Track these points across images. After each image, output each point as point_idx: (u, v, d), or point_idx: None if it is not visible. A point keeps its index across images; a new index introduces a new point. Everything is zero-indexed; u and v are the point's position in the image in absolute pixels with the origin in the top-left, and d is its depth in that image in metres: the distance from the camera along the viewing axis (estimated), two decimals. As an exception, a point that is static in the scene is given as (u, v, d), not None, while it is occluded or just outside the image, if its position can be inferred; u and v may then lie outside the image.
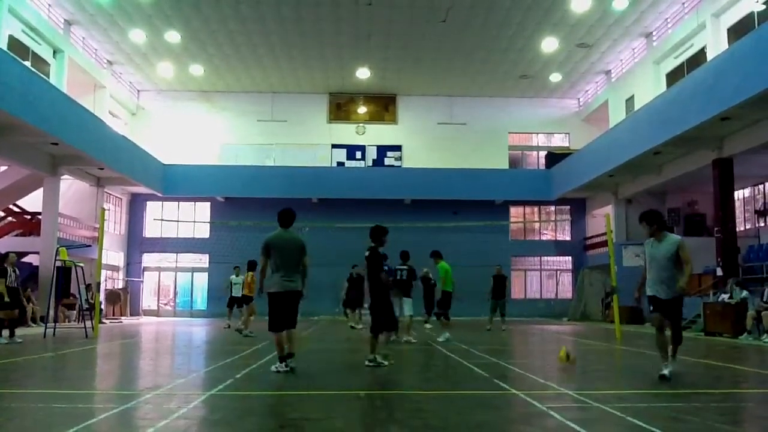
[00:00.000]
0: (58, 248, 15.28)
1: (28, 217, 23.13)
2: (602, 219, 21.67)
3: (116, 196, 28.06)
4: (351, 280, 17.79)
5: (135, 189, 27.75)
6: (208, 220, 28.65)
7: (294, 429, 4.62)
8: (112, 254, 27.16)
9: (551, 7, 22.36)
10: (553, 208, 30.54)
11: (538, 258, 30.27)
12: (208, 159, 29.98)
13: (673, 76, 23.34)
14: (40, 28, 21.88)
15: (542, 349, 12.53)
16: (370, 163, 31.02)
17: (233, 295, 17.44)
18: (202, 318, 26.79)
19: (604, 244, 20.77)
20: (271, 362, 8.74)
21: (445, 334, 12.71)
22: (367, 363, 8.18)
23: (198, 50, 26.34)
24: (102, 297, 21.98)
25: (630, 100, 26.13)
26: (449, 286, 13.10)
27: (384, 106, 31.53)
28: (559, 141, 31.91)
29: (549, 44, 25.21)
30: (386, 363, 8.19)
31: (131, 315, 27.22)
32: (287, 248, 7.60)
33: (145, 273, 29.54)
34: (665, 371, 6.87)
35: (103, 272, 22.45)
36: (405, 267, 12.58)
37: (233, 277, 17.71)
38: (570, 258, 30.00)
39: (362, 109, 31.45)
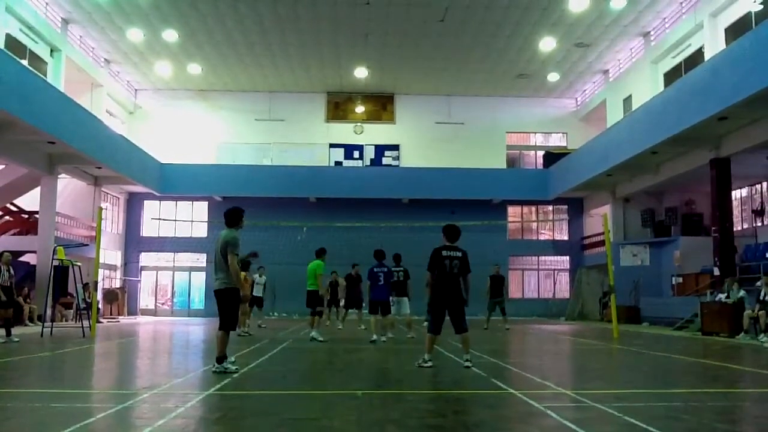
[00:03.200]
0: (55, 247, 15.24)
1: (26, 216, 23.07)
2: (600, 218, 21.72)
3: (113, 195, 28.02)
4: (349, 278, 17.53)
5: (132, 188, 27.71)
6: (206, 219, 28.63)
7: (291, 428, 4.62)
8: (110, 253, 27.12)
9: (549, 6, 22.37)
10: (550, 207, 30.56)
11: (536, 257, 30.28)
12: (205, 158, 29.94)
13: (670, 76, 23.37)
14: (38, 26, 21.82)
15: (539, 349, 12.54)
16: (368, 163, 31.01)
17: (254, 294, 17.66)
18: (200, 317, 26.78)
19: (602, 243, 20.80)
20: (268, 361, 8.74)
21: (313, 333, 12.83)
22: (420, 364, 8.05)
23: (195, 49, 26.31)
24: (99, 296, 21.94)
25: (627, 100, 26.16)
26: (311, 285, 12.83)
27: (382, 106, 31.52)
28: (556, 140, 31.94)
29: (547, 44, 25.22)
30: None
31: (129, 314, 27.17)
32: (215, 247, 7.56)
33: (142, 272, 29.50)
34: None
35: (101, 271, 22.39)
36: (401, 269, 13.19)
37: (257, 276, 17.84)
38: (567, 257, 30.02)
39: (360, 109, 31.43)
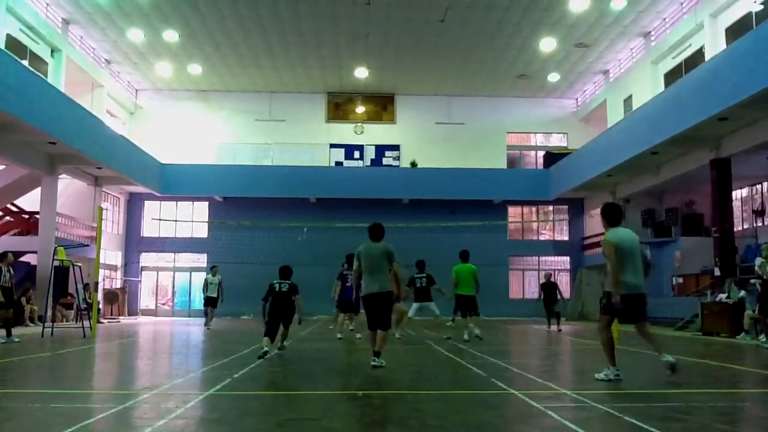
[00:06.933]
0: (56, 248, 15.25)
1: (26, 216, 23.09)
2: (600, 219, 21.71)
3: (114, 196, 28.03)
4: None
5: (133, 188, 27.72)
6: (206, 219, 28.63)
7: (292, 428, 4.62)
8: (110, 254, 27.13)
9: (549, 6, 22.37)
10: (551, 207, 30.56)
11: (536, 258, 30.28)
12: (206, 158, 29.96)
13: (671, 76, 23.37)
14: (38, 27, 21.84)
15: (540, 349, 12.54)
16: (369, 163, 31.02)
17: (209, 295, 17.45)
18: (200, 318, 26.72)
19: (602, 243, 20.76)
20: (268, 362, 8.74)
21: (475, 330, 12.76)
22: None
23: (196, 50, 26.33)
24: (100, 297, 21.95)
25: (628, 100, 26.16)
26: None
27: (382, 106, 31.53)
28: (557, 141, 31.94)
29: (547, 44, 25.22)
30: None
31: (129, 315, 27.20)
32: (369, 256, 8.13)
33: (143, 273, 29.51)
34: (618, 373, 6.98)
35: (101, 272, 22.41)
36: (423, 275, 13.25)
37: (209, 276, 17.68)
38: (568, 258, 30.02)
39: (360, 109, 31.44)
